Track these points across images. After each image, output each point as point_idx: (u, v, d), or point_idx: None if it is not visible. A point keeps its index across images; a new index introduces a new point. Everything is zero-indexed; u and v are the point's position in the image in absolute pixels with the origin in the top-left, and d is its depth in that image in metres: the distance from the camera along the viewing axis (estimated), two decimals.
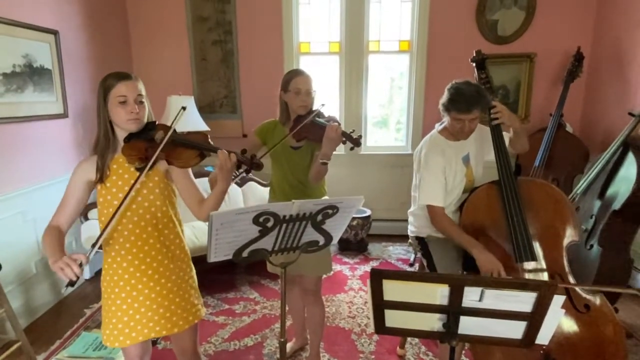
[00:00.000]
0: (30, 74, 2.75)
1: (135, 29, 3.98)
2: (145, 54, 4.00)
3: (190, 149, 1.47)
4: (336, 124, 1.78)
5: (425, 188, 1.97)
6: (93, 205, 2.71)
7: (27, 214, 2.71)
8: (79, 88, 3.22)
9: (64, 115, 3.04)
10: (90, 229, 2.85)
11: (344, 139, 1.78)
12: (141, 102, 1.43)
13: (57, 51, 2.98)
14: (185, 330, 1.58)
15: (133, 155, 1.42)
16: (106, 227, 1.38)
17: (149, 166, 1.42)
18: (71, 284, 1.25)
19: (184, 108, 1.50)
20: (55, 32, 2.95)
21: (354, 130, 1.85)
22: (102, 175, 1.43)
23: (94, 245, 1.32)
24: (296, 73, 1.96)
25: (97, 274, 3.40)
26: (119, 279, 1.48)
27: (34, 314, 2.77)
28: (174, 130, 1.45)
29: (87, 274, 3.31)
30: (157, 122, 1.50)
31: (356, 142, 1.79)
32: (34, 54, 2.78)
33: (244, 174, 1.61)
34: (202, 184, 1.63)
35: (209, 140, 1.51)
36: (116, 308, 1.49)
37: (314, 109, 1.94)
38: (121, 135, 1.45)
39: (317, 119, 1.90)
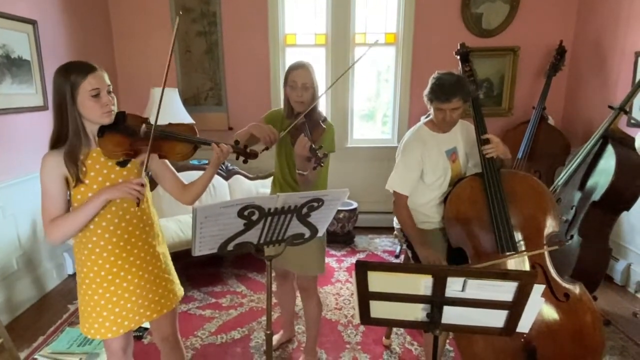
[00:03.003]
0: (8, 65, 2.68)
1: (117, 19, 3.89)
2: (127, 45, 3.91)
3: (182, 142, 1.46)
4: (305, 138, 1.68)
5: (395, 174, 2.04)
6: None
7: (6, 209, 2.65)
8: None
9: (44, 107, 2.97)
10: None
11: (310, 155, 1.66)
12: (110, 92, 1.38)
13: (35, 42, 2.90)
14: (166, 315, 1.57)
15: (117, 152, 1.38)
16: (147, 159, 1.40)
17: (147, 163, 1.40)
18: (139, 203, 1.39)
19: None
20: (33, 22, 2.87)
21: (321, 147, 1.72)
22: (77, 174, 1.36)
23: (145, 169, 1.40)
24: (294, 66, 1.87)
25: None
26: (106, 274, 1.44)
27: (16, 310, 2.72)
28: (155, 123, 1.42)
29: (70, 269, 3.26)
30: (125, 112, 1.45)
31: (318, 162, 1.63)
32: (11, 45, 2.70)
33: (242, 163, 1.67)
34: (189, 177, 1.63)
35: (197, 132, 1.51)
36: (105, 301, 1.46)
37: (315, 105, 1.86)
38: (91, 129, 1.39)
39: (308, 124, 1.82)
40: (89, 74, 1.32)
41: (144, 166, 1.40)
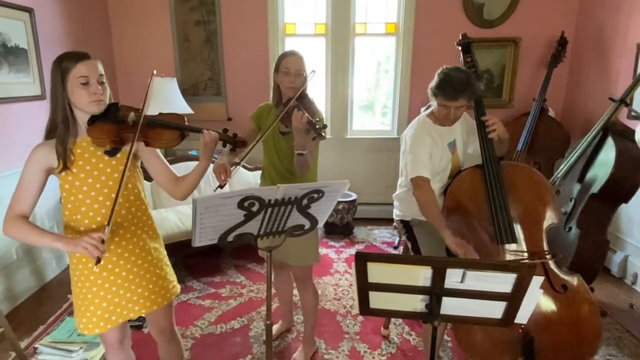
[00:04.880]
0: (5, 54, 2.65)
1: (114, 8, 3.84)
2: (125, 35, 3.87)
3: (169, 130, 1.45)
4: (301, 112, 1.68)
5: (416, 163, 1.93)
6: None
7: (4, 199, 2.61)
8: None
9: (41, 96, 2.95)
10: None
11: (308, 127, 1.67)
12: (102, 83, 1.38)
13: (32, 30, 2.86)
14: (162, 308, 1.56)
15: (104, 139, 1.37)
16: (113, 207, 1.33)
17: (132, 150, 1.39)
18: (98, 261, 1.28)
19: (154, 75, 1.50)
20: (30, 10, 2.84)
21: (319, 120, 1.72)
22: (65, 162, 1.35)
23: (108, 224, 1.32)
24: (287, 53, 1.91)
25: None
26: (87, 261, 1.42)
27: (16, 300, 2.73)
28: (142, 110, 1.42)
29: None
30: (119, 104, 1.44)
31: (319, 134, 1.64)
32: (8, 33, 2.67)
33: (229, 153, 1.65)
34: (187, 168, 1.62)
35: (185, 121, 1.50)
36: (92, 295, 1.45)
37: (306, 92, 1.90)
38: (82, 118, 1.38)
39: (302, 103, 1.83)
40: (80, 61, 1.33)
41: (128, 156, 1.38)
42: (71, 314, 2.62)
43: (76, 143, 1.39)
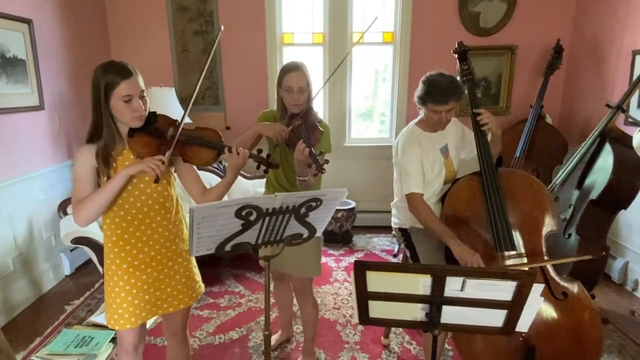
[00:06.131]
0: (3, 65, 2.66)
1: (113, 19, 3.87)
2: (124, 44, 3.90)
3: (206, 148, 1.48)
4: (304, 145, 1.64)
5: (407, 178, 1.96)
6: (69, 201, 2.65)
7: (2, 210, 2.63)
8: (55, 79, 3.13)
9: (40, 107, 2.94)
10: (70, 224, 2.78)
11: (310, 161, 1.64)
12: (143, 97, 1.42)
13: (31, 41, 2.88)
14: (181, 310, 1.62)
15: (144, 152, 1.41)
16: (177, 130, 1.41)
17: (165, 163, 1.40)
18: (157, 179, 1.36)
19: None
20: (29, 21, 2.85)
21: (321, 153, 1.68)
22: (108, 171, 1.41)
23: (169, 149, 1.39)
24: (289, 69, 1.82)
25: (78, 270, 3.34)
26: (128, 266, 1.49)
27: (13, 311, 2.71)
28: (184, 127, 1.45)
29: (67, 270, 3.25)
30: (156, 113, 1.48)
31: (319, 169, 1.61)
32: (6, 44, 2.68)
33: (262, 173, 1.68)
34: (206, 178, 1.62)
35: (221, 137, 1.52)
36: (125, 293, 1.50)
37: (311, 105, 1.86)
38: (124, 129, 1.44)
39: (305, 125, 1.79)
40: (124, 79, 1.36)
41: (165, 162, 1.41)
42: (68, 325, 2.59)
43: (121, 152, 1.44)
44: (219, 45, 3.89)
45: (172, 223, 1.55)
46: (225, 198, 1.52)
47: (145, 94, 1.43)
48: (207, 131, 1.53)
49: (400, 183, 2.03)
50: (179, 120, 1.47)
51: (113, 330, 1.58)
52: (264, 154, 1.59)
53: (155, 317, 1.63)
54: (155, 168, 1.35)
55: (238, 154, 1.49)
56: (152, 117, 1.46)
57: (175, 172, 1.59)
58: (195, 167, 1.59)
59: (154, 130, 1.45)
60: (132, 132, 1.42)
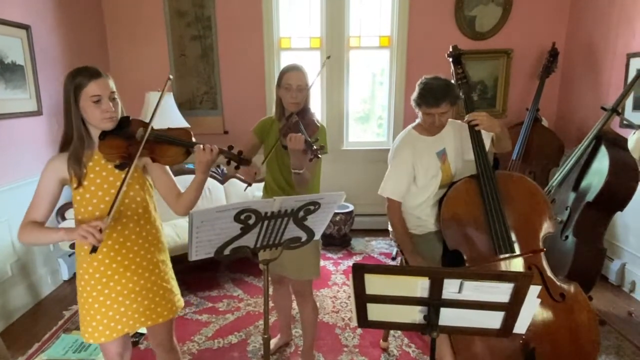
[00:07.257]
0: (2, 71, 2.66)
1: (111, 24, 3.88)
2: (122, 49, 3.91)
3: (175, 146, 1.46)
4: (298, 134, 1.68)
5: (387, 181, 2.05)
6: (69, 205, 2.65)
7: (0, 215, 2.63)
8: (53, 85, 3.13)
9: (38, 112, 2.95)
10: None
11: (305, 148, 1.66)
12: (114, 99, 1.40)
13: (29, 47, 2.88)
14: (163, 323, 1.57)
15: (113, 154, 1.40)
16: (115, 199, 1.36)
17: (133, 165, 1.39)
18: (94, 249, 1.30)
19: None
20: (27, 27, 2.86)
21: (317, 140, 1.71)
22: (79, 176, 1.39)
23: (108, 214, 1.35)
24: (289, 68, 1.88)
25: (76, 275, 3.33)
26: (101, 276, 1.45)
27: (10, 317, 2.70)
28: (152, 127, 1.43)
29: (65, 275, 3.24)
30: (130, 117, 1.46)
31: (315, 155, 1.64)
32: (5, 50, 2.68)
33: (233, 170, 1.63)
34: (184, 181, 1.62)
35: (192, 136, 1.50)
36: (99, 305, 1.46)
37: (309, 105, 1.90)
38: (95, 132, 1.42)
39: (302, 121, 1.82)
40: (92, 79, 1.35)
41: (127, 174, 1.39)
42: (66, 330, 2.59)
43: (91, 157, 1.42)
44: (217, 50, 3.90)
45: (146, 230, 1.51)
46: (224, 202, 1.52)
47: (116, 96, 1.41)
48: (177, 130, 1.51)
49: (383, 181, 2.08)
50: (149, 122, 1.44)
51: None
52: (234, 150, 1.53)
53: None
54: (88, 236, 1.25)
55: (211, 150, 1.42)
56: (125, 121, 1.44)
57: (150, 179, 1.55)
58: (170, 173, 1.55)
59: (125, 133, 1.42)
60: (104, 135, 1.40)
